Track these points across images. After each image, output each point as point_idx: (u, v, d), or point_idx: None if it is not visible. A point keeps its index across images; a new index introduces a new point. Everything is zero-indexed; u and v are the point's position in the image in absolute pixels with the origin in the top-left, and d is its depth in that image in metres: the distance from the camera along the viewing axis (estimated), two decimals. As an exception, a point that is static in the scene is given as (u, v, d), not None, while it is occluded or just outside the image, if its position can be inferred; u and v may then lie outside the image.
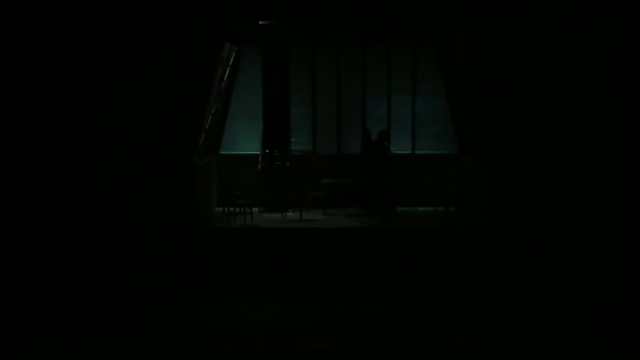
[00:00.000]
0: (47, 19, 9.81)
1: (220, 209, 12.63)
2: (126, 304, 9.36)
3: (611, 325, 8.27)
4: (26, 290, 9.16)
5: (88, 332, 8.20)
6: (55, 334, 8.09)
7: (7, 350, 7.60)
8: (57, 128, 9.98)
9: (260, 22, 11.90)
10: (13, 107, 9.80)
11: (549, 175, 10.30)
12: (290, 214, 12.42)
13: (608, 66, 9.91)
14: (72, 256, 9.77)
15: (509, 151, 10.63)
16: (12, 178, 9.75)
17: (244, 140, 13.64)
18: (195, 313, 9.73)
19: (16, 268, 9.37)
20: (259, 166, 13.06)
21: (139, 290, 9.76)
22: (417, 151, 13.64)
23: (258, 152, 13.25)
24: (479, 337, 8.34)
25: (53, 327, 8.36)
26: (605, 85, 9.95)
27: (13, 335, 8.02)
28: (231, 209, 11.67)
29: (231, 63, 13.03)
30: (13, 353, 7.55)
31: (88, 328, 8.34)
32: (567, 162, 10.22)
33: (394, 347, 7.64)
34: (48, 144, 9.92)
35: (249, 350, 7.63)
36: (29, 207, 9.83)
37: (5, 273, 9.25)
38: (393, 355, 7.39)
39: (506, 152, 10.67)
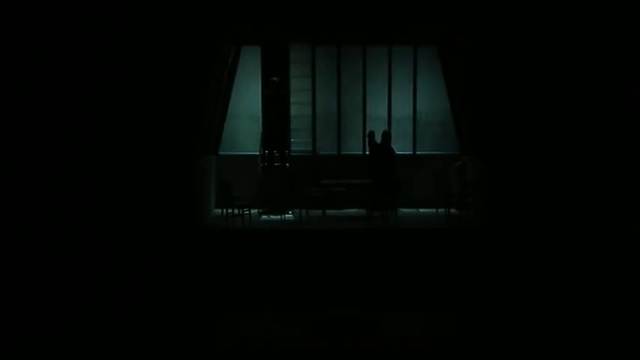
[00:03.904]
0: (45, 20, 9.74)
1: (219, 211, 12.52)
2: (122, 304, 9.27)
3: (612, 326, 8.18)
4: (21, 291, 9.06)
5: (82, 332, 8.11)
6: (51, 335, 8.00)
7: (6, 351, 7.53)
8: (52, 128, 9.90)
9: (259, 22, 11.79)
10: (12, 108, 9.73)
11: (550, 176, 10.21)
12: (289, 215, 12.31)
13: (609, 65, 9.83)
14: (67, 256, 9.67)
15: (510, 151, 10.55)
16: (10, 179, 9.67)
17: (243, 141, 13.53)
18: (191, 314, 9.63)
19: (12, 270, 9.28)
20: (259, 167, 12.94)
21: (135, 291, 9.67)
22: (417, 152, 13.53)
23: (257, 153, 13.14)
24: (479, 336, 8.24)
25: (49, 327, 8.27)
26: (606, 84, 9.87)
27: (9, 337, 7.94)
28: (230, 211, 11.54)
29: (230, 62, 12.94)
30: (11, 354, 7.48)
31: (82, 328, 8.25)
32: (569, 162, 10.13)
33: (395, 347, 7.54)
34: (43, 144, 9.83)
35: (247, 351, 7.54)
36: (25, 207, 9.74)
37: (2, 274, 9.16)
38: (394, 356, 7.29)
39: (507, 153, 10.59)
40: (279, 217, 12.14)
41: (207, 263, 10.68)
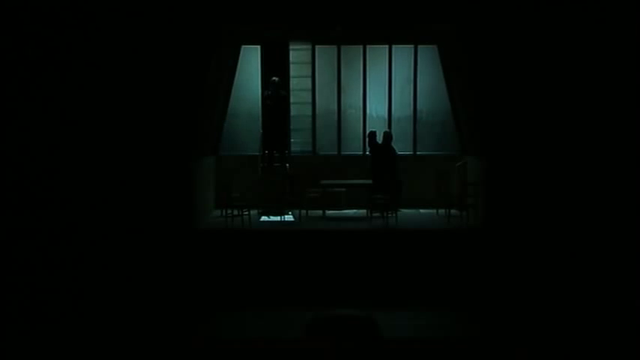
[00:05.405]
0: (42, 20, 9.71)
1: (218, 211, 12.47)
2: (122, 305, 9.24)
3: (612, 327, 8.15)
4: (20, 291, 9.03)
5: (82, 332, 8.08)
6: (49, 335, 7.96)
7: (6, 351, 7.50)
8: (48, 129, 9.86)
9: (259, 22, 11.75)
10: (10, 109, 9.70)
11: (552, 176, 10.19)
12: (289, 215, 12.27)
13: (610, 65, 9.81)
14: (66, 256, 9.64)
15: (511, 151, 10.52)
16: (9, 180, 9.64)
17: (243, 141, 13.50)
18: (191, 314, 9.60)
19: (10, 270, 9.25)
20: (259, 167, 12.91)
21: (134, 292, 9.64)
22: (417, 152, 13.50)
23: (257, 153, 13.11)
24: (480, 336, 8.20)
25: (48, 327, 8.24)
26: (607, 84, 9.85)
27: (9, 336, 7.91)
28: (230, 211, 11.50)
29: (229, 62, 12.91)
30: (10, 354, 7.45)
31: (82, 328, 8.22)
32: (570, 162, 10.11)
33: (395, 347, 7.50)
34: (39, 146, 9.79)
35: (248, 351, 7.49)
36: (23, 209, 9.71)
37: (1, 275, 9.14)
38: (394, 356, 7.25)
39: (508, 153, 10.56)
40: (278, 217, 12.10)
41: (206, 263, 10.65)
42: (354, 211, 12.76)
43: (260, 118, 13.20)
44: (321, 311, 7.14)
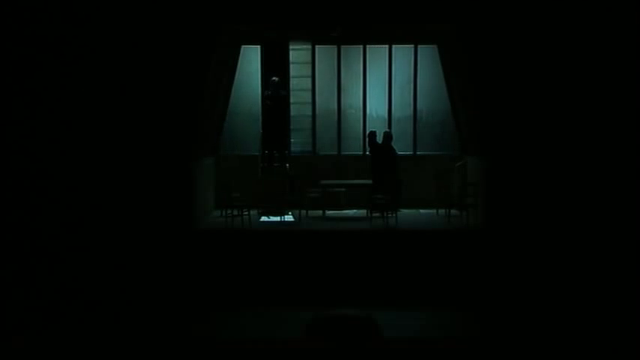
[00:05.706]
0: (42, 20, 9.71)
1: (218, 211, 12.46)
2: (121, 304, 9.23)
3: (612, 328, 8.14)
4: (20, 290, 9.03)
5: (80, 331, 8.07)
6: (49, 333, 7.95)
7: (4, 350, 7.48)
8: (48, 130, 9.86)
9: (259, 21, 11.75)
10: (10, 109, 9.70)
11: (552, 176, 10.19)
12: (289, 215, 12.26)
13: (610, 65, 9.81)
14: (66, 256, 9.64)
15: (511, 151, 10.51)
16: (9, 181, 9.65)
17: (243, 141, 13.49)
18: (191, 314, 9.59)
19: (10, 270, 9.25)
20: (259, 167, 12.90)
21: (134, 291, 9.63)
22: (418, 152, 13.49)
23: (257, 153, 13.11)
24: (480, 336, 8.19)
25: (47, 326, 8.23)
26: (607, 84, 9.85)
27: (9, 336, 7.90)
28: (229, 211, 11.49)
29: (229, 62, 12.90)
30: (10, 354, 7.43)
31: (80, 327, 8.21)
32: (571, 162, 10.10)
33: (395, 347, 7.50)
34: (39, 147, 9.79)
35: (247, 351, 7.48)
36: (25, 209, 9.71)
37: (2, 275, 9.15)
38: (394, 356, 7.25)
39: (508, 153, 10.56)
40: (278, 217, 12.10)
41: (206, 263, 10.64)
42: (354, 211, 12.76)
43: (260, 118, 13.20)
44: (321, 311, 7.13)
